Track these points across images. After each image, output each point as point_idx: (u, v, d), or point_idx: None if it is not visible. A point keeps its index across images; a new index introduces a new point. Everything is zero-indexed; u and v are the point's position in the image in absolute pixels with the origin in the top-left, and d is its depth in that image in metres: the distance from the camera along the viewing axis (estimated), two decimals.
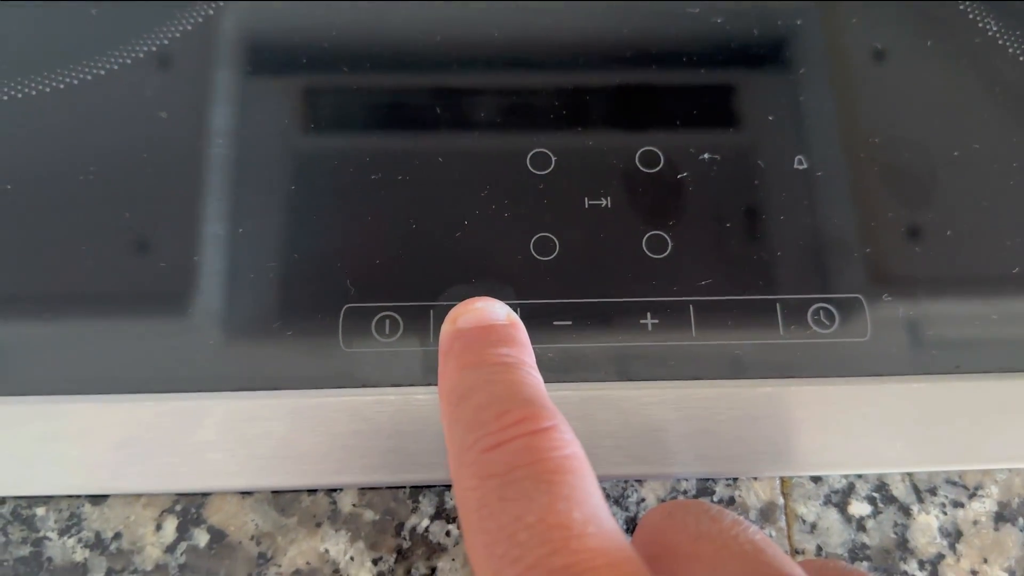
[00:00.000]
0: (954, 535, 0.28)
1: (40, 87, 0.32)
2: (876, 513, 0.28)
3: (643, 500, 0.28)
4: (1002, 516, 0.28)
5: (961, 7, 0.34)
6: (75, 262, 0.29)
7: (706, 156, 0.31)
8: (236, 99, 0.32)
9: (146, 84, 0.32)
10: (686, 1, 0.34)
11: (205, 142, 0.31)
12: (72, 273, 0.29)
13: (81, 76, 0.32)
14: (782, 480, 0.28)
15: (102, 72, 0.32)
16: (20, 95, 0.31)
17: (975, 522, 0.28)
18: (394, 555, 0.27)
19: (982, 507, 0.28)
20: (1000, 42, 0.34)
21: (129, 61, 0.32)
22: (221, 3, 0.33)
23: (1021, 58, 0.33)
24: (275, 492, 0.27)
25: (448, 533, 0.27)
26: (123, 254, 0.29)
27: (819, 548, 0.27)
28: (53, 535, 0.27)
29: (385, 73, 0.33)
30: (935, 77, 0.33)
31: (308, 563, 0.26)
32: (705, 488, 0.28)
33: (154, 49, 0.32)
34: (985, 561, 0.27)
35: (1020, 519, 0.28)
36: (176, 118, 0.31)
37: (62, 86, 0.32)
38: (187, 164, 0.30)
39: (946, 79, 0.33)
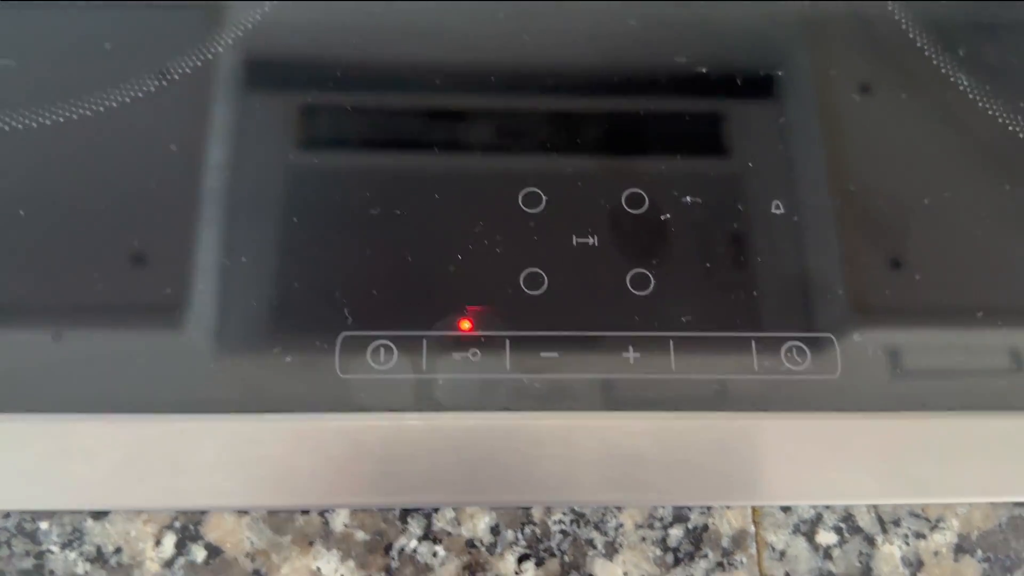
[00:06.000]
0: (916, 565, 0.29)
1: (51, 118, 0.33)
2: (842, 543, 0.29)
3: (621, 525, 0.29)
4: (962, 548, 0.29)
5: (937, 65, 0.36)
6: (82, 285, 0.30)
7: (688, 199, 0.33)
8: (239, 131, 0.33)
9: (153, 115, 0.33)
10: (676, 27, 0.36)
11: (208, 173, 0.32)
12: (79, 296, 0.30)
13: (93, 107, 0.33)
14: (753, 509, 0.29)
15: (114, 104, 0.33)
16: (35, 124, 0.33)
17: (936, 553, 0.29)
18: (383, 574, 0.28)
19: (943, 539, 0.30)
20: (970, 96, 0.36)
21: (140, 94, 0.34)
22: (230, 39, 0.35)
23: (990, 112, 0.35)
24: (271, 512, 0.28)
25: (435, 554, 0.28)
26: (128, 279, 0.30)
27: (787, 575, 0.29)
28: (55, 548, 0.28)
29: (386, 115, 0.34)
30: (909, 128, 0.35)
31: None
32: (680, 515, 0.29)
33: (165, 83, 0.34)
34: None
35: (979, 551, 0.29)
36: (181, 149, 0.33)
37: (76, 117, 0.33)
38: (191, 194, 0.32)
39: (919, 129, 0.35)
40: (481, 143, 0.34)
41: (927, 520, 0.30)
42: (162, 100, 0.34)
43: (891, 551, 0.29)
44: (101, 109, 0.33)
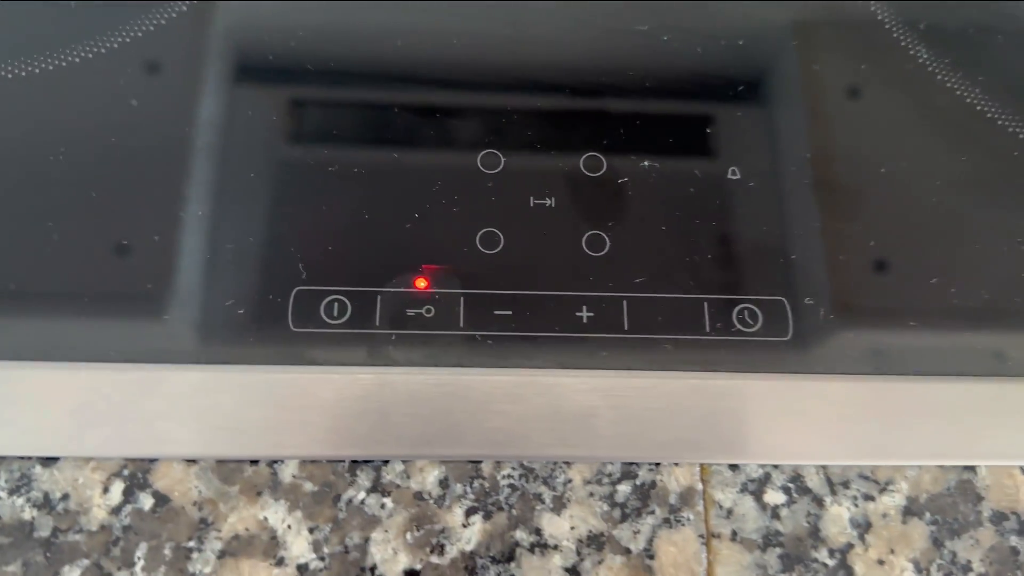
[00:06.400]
0: (864, 526, 0.29)
1: (16, 72, 0.33)
2: (790, 502, 0.29)
3: (570, 481, 0.29)
4: (910, 510, 0.30)
5: (895, 35, 0.37)
6: (39, 236, 0.30)
7: (646, 163, 0.33)
8: (204, 91, 0.33)
9: (118, 73, 0.33)
10: None
11: (170, 129, 0.32)
12: (35, 246, 0.30)
13: (56, 63, 0.33)
14: (701, 467, 0.30)
15: (76, 60, 0.34)
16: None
17: (884, 515, 0.29)
18: (330, 525, 0.28)
19: (892, 501, 0.30)
20: (930, 68, 0.36)
21: (103, 51, 0.34)
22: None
23: (948, 84, 0.36)
24: (219, 461, 0.29)
25: (383, 506, 0.28)
26: (86, 231, 0.31)
27: (734, 533, 0.29)
28: (3, 494, 0.28)
29: (348, 74, 0.35)
30: (867, 98, 0.35)
31: (247, 529, 0.28)
32: (629, 472, 0.29)
33: (127, 40, 0.34)
34: (892, 552, 0.29)
35: (927, 514, 0.30)
36: (143, 105, 0.33)
37: (37, 71, 0.33)
38: (151, 149, 0.32)
39: (877, 100, 0.35)
40: (443, 105, 0.34)
41: (876, 482, 0.30)
42: (126, 58, 0.34)
43: (839, 512, 0.29)
44: (64, 65, 0.33)
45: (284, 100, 0.34)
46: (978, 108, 0.35)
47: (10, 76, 0.33)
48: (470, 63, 0.35)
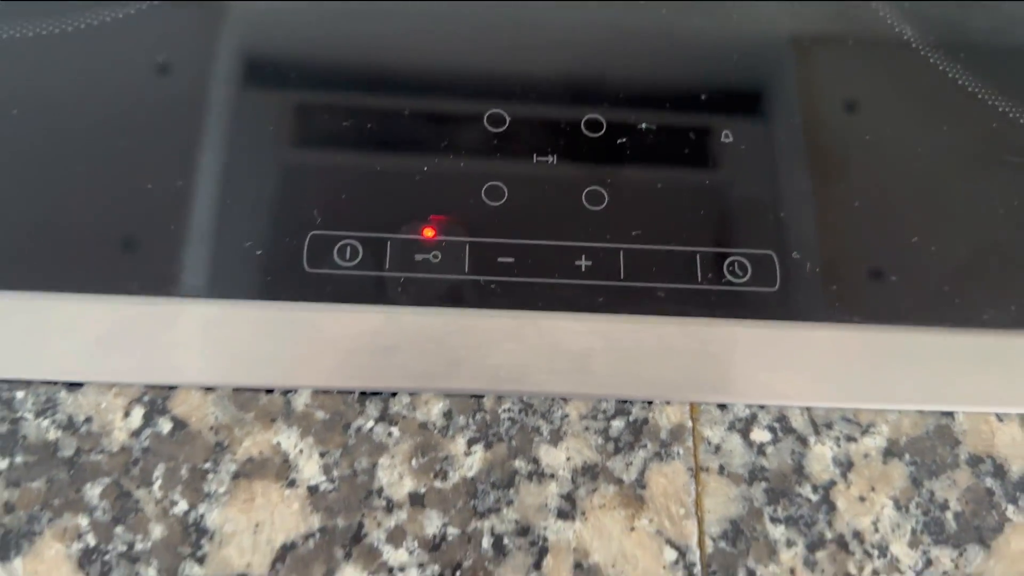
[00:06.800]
0: (846, 465, 0.31)
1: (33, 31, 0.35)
2: (776, 441, 0.31)
3: (567, 415, 0.31)
4: (890, 452, 0.31)
5: (880, 13, 0.39)
6: (69, 178, 0.32)
7: (643, 125, 0.35)
8: (220, 51, 0.35)
9: (133, 34, 0.36)
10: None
11: (191, 84, 0.34)
12: (65, 187, 0.32)
13: (65, 26, 0.36)
14: (691, 405, 0.31)
15: (81, 26, 0.36)
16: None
17: (866, 455, 0.31)
18: (340, 450, 0.29)
19: (873, 443, 0.31)
20: (913, 45, 0.38)
21: (108, 19, 0.36)
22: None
23: (931, 60, 0.38)
24: (236, 389, 0.30)
25: (390, 434, 0.30)
26: (112, 174, 0.32)
27: (722, 468, 0.30)
28: (30, 416, 0.29)
29: (362, 38, 0.37)
30: (854, 70, 0.37)
31: (261, 453, 0.29)
32: (623, 409, 0.31)
33: (131, 12, 0.36)
34: (873, 489, 0.30)
35: (906, 455, 0.31)
36: (164, 64, 0.35)
37: (58, 31, 0.35)
38: (173, 102, 0.34)
39: (865, 74, 0.37)
40: (450, 68, 0.36)
41: (858, 424, 0.31)
42: (136, 23, 0.36)
43: (823, 451, 0.31)
44: (69, 29, 0.35)
45: (305, 64, 0.36)
46: (960, 82, 0.37)
47: (18, 36, 0.35)
48: (479, 46, 0.37)
